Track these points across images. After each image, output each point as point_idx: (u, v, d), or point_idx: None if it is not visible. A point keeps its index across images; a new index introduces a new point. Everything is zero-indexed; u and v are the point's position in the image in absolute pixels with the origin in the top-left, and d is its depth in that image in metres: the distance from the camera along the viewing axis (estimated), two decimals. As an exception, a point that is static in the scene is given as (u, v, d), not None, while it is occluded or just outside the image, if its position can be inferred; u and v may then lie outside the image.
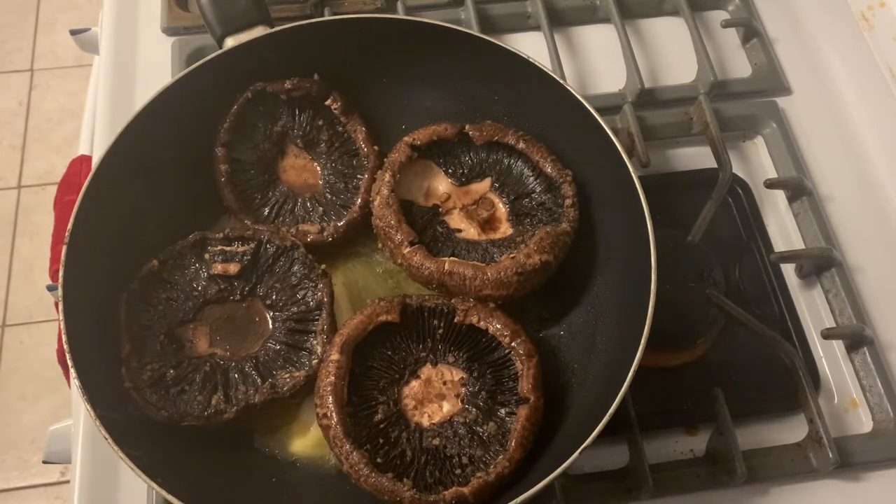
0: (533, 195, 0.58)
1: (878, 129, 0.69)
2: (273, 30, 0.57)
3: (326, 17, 0.68)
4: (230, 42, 0.56)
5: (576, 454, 0.43)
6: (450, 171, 0.60)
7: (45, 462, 0.60)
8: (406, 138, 0.58)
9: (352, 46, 0.59)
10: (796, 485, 0.54)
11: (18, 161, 1.63)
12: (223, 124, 0.58)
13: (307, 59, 0.59)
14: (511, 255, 0.53)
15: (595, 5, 0.73)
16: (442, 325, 0.53)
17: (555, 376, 0.54)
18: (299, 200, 0.60)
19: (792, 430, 0.56)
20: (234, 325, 0.55)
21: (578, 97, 0.54)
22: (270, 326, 0.55)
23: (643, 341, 0.46)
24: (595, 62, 0.71)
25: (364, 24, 0.58)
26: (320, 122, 0.61)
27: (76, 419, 0.56)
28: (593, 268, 0.56)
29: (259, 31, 0.56)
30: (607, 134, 0.53)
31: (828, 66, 0.72)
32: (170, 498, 0.43)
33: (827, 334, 0.58)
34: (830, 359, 0.59)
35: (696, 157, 0.66)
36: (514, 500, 0.42)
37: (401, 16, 0.68)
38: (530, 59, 0.56)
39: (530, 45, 0.67)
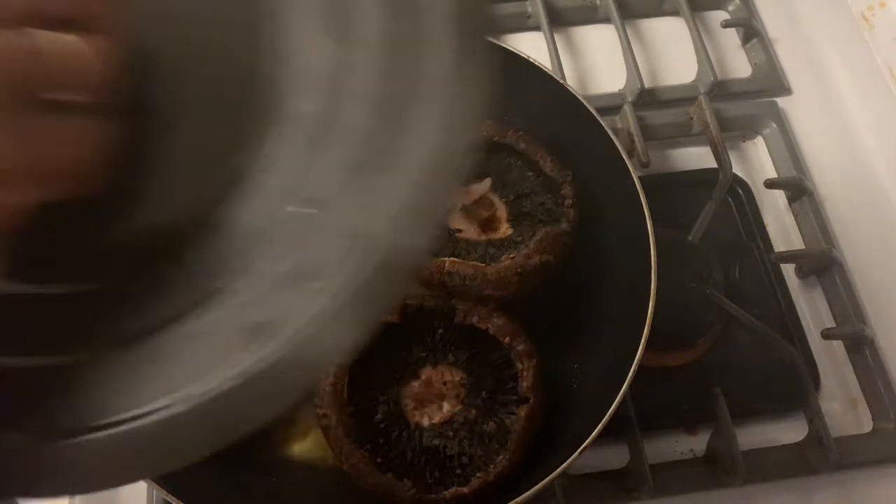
0: (533, 195, 0.58)
1: (878, 129, 0.69)
2: None
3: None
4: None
5: (575, 454, 0.43)
6: (450, 171, 0.60)
7: None
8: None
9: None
10: (796, 485, 0.54)
11: (18, 161, 1.64)
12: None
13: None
14: (511, 256, 0.53)
15: (595, 5, 0.73)
16: (442, 325, 0.53)
17: (555, 376, 0.53)
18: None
19: (792, 430, 0.56)
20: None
21: (579, 97, 0.54)
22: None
23: (643, 341, 0.46)
24: (595, 62, 0.71)
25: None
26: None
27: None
28: (593, 267, 0.56)
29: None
30: (607, 134, 0.53)
31: (828, 67, 0.72)
32: (169, 498, 0.43)
33: (827, 334, 0.58)
34: (830, 359, 0.59)
35: (696, 157, 0.66)
36: (515, 501, 0.42)
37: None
38: (530, 59, 0.56)
39: (530, 45, 0.67)
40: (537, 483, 0.43)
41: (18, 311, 0.30)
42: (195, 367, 0.28)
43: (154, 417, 0.28)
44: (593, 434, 0.44)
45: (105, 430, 0.28)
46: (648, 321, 0.47)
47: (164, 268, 0.29)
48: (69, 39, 0.24)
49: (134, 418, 0.28)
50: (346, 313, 0.28)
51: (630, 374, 0.45)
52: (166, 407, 0.28)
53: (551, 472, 0.43)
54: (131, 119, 0.29)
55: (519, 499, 0.42)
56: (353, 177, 0.29)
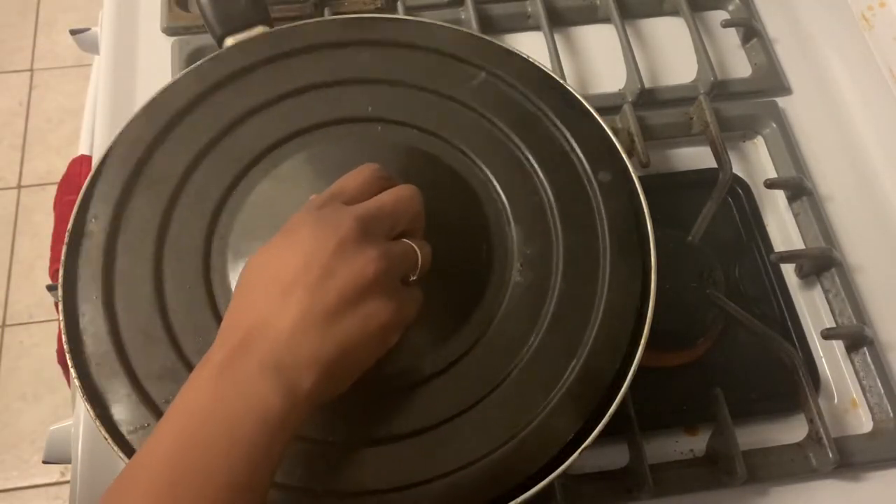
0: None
1: (878, 129, 0.69)
2: (272, 30, 0.57)
3: (326, 18, 0.68)
4: (230, 42, 0.56)
5: (575, 454, 0.43)
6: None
7: (44, 462, 0.60)
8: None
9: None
10: (796, 485, 0.54)
11: (18, 161, 1.64)
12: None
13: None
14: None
15: (595, 5, 0.73)
16: None
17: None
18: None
19: (792, 430, 0.56)
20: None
21: (579, 97, 0.54)
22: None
23: (643, 341, 0.46)
24: (595, 62, 0.71)
25: (360, 24, 0.58)
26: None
27: (76, 419, 0.56)
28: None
29: (259, 31, 0.56)
30: (607, 134, 0.53)
31: (828, 67, 0.72)
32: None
33: (827, 334, 0.58)
34: (830, 359, 0.59)
35: (696, 156, 0.66)
36: (515, 501, 0.42)
37: (400, 16, 0.68)
38: (531, 59, 0.56)
39: (530, 45, 0.67)
40: (537, 483, 0.43)
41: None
42: (462, 450, 0.43)
43: (443, 480, 0.42)
44: (593, 434, 0.44)
45: (405, 490, 0.42)
46: (648, 321, 0.47)
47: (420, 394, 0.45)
48: (407, 243, 0.41)
49: (426, 482, 0.42)
50: (561, 410, 0.45)
51: (630, 374, 0.45)
52: (449, 473, 0.43)
53: (551, 473, 0.43)
54: None
55: (519, 499, 0.42)
56: (559, 322, 0.47)
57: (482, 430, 0.44)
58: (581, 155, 0.52)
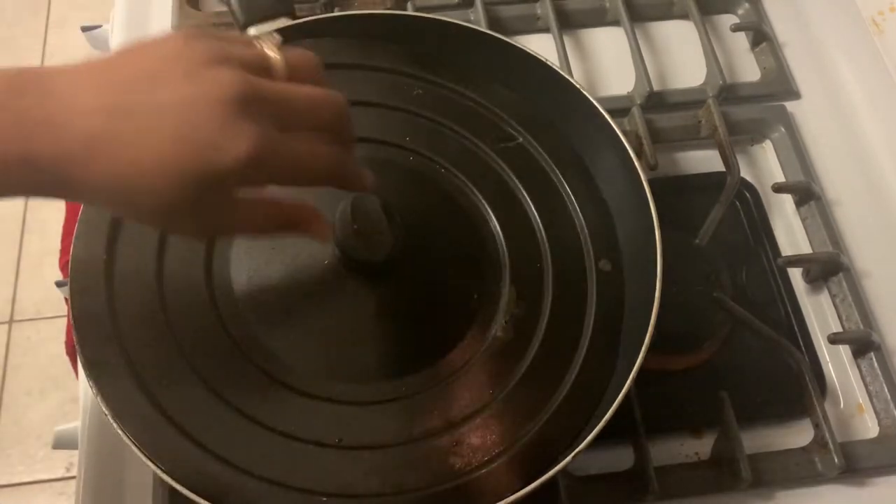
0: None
1: (887, 134, 0.69)
2: (294, 21, 0.56)
3: (348, 12, 0.67)
4: (253, 31, 0.56)
5: (570, 458, 0.44)
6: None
7: (54, 448, 0.61)
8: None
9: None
10: (802, 489, 0.54)
11: (28, 158, 1.64)
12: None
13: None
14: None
15: (605, 8, 0.73)
16: None
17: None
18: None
19: (798, 435, 0.56)
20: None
21: (592, 99, 0.54)
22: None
23: (644, 347, 0.46)
24: (604, 65, 0.71)
25: (384, 20, 0.58)
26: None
27: (84, 407, 0.56)
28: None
29: (282, 23, 0.56)
30: (618, 136, 0.53)
31: (837, 71, 0.72)
32: (175, 485, 0.43)
33: (833, 339, 0.58)
34: (837, 364, 0.59)
35: (705, 160, 0.66)
36: (504, 500, 0.42)
37: (420, 13, 0.68)
38: (547, 62, 0.56)
39: (539, 47, 0.67)
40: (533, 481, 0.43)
41: None
42: (379, 481, 0.43)
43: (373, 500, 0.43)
44: (591, 436, 0.44)
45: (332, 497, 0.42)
46: (652, 324, 0.47)
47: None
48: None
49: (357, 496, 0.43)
50: (499, 473, 0.44)
51: (631, 376, 0.45)
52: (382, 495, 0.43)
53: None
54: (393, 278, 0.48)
55: (510, 498, 0.42)
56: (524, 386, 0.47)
57: (401, 469, 0.44)
58: (588, 237, 0.53)
